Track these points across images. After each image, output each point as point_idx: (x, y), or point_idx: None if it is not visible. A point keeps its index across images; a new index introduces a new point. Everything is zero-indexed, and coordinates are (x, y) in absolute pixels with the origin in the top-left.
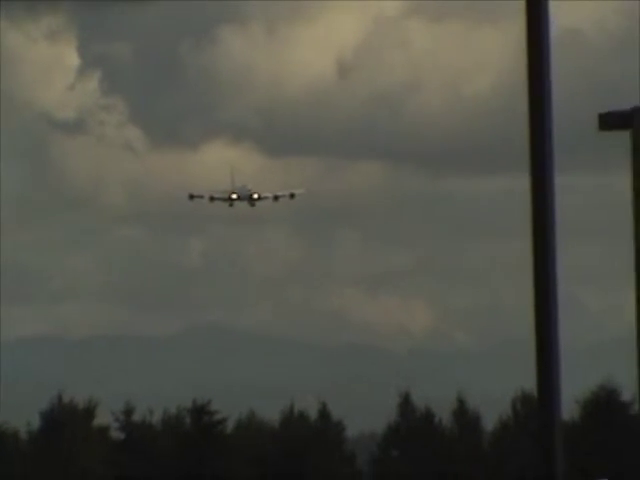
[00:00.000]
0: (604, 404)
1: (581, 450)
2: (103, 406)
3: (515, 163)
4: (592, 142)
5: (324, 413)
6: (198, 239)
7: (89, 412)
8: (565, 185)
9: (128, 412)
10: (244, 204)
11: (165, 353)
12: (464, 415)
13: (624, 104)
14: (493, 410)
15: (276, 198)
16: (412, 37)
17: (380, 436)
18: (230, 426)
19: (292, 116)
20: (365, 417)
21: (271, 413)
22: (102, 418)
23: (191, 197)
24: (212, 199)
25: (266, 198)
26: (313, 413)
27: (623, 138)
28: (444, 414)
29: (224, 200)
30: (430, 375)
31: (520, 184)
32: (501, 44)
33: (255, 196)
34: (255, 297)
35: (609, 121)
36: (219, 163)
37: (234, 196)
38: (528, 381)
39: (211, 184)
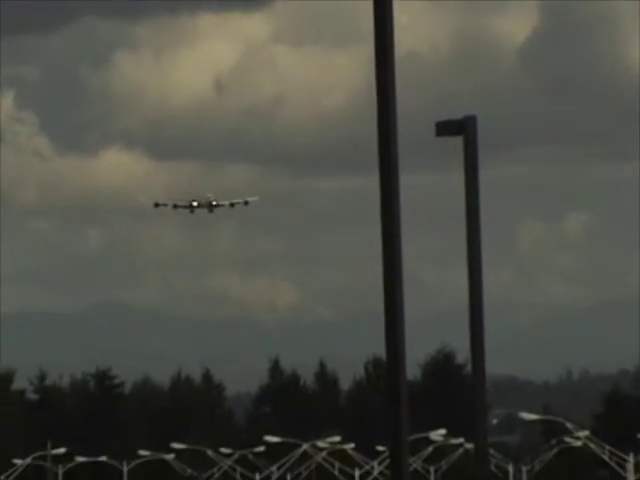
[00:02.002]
0: (441, 366)
1: (423, 404)
2: (20, 373)
3: (366, 165)
4: (430, 146)
5: (207, 376)
6: (100, 230)
7: (8, 378)
8: (408, 183)
9: (41, 377)
10: (204, 211)
11: (71, 327)
12: (325, 377)
13: (457, 114)
14: (349, 372)
15: (232, 205)
16: (278, 59)
17: (254, 395)
18: (127, 388)
19: (176, 127)
20: (241, 379)
21: (162, 377)
22: (19, 383)
23: (156, 205)
24: (175, 207)
25: (223, 205)
26: (198, 377)
27: (457, 142)
28: (308, 376)
29: (186, 207)
30: (296, 343)
31: (370, 182)
32: (354, 65)
33: (214, 203)
34: (148, 279)
35: (444, 128)
36: (114, 166)
37: (195, 204)
38: (379, 347)
39: (109, 183)
